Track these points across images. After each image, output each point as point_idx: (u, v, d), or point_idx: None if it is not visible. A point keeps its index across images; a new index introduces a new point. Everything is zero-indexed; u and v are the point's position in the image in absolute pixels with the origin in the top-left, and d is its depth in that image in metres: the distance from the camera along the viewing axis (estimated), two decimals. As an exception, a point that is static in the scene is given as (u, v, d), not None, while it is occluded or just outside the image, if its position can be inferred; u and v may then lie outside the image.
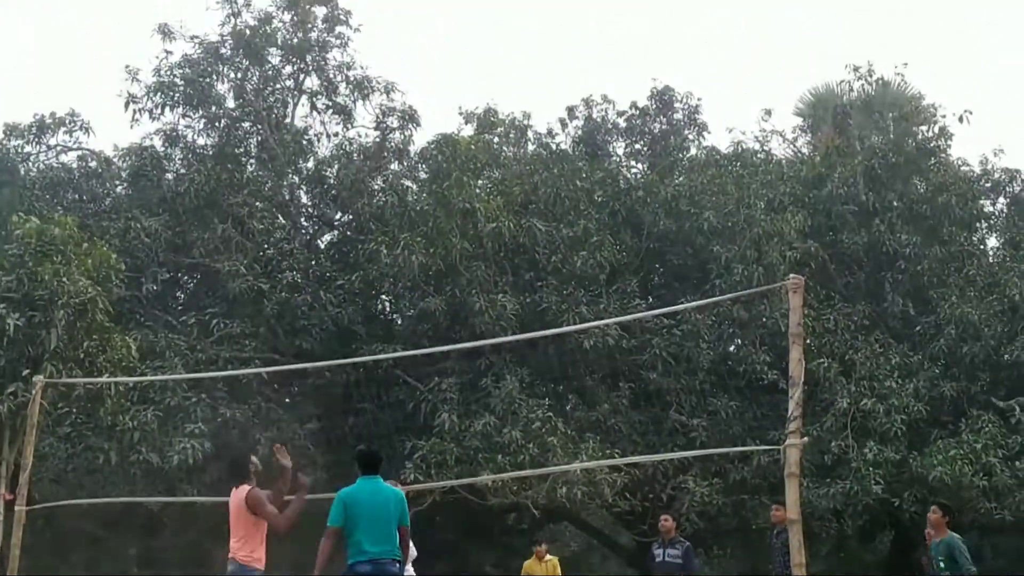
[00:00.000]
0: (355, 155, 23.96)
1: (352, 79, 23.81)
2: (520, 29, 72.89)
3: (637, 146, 25.73)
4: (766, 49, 71.08)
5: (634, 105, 25.43)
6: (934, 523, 11.34)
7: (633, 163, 25.53)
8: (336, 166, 23.93)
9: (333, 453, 20.02)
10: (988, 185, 24.57)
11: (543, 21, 71.73)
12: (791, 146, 27.33)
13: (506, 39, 71.78)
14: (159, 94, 22.63)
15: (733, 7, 71.17)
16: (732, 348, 22.24)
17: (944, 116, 24.49)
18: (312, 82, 24.06)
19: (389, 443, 19.03)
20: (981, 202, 24.09)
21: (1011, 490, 18.75)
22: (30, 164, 23.38)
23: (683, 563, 13.21)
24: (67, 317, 14.89)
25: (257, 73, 23.58)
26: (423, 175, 23.15)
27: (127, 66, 22.72)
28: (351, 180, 23.19)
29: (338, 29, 23.83)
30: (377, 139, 24.16)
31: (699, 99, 25.45)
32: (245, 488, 8.90)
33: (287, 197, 23.77)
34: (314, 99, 24.11)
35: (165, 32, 23.00)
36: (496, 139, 23.71)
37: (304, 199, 24.40)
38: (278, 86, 23.98)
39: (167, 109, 22.78)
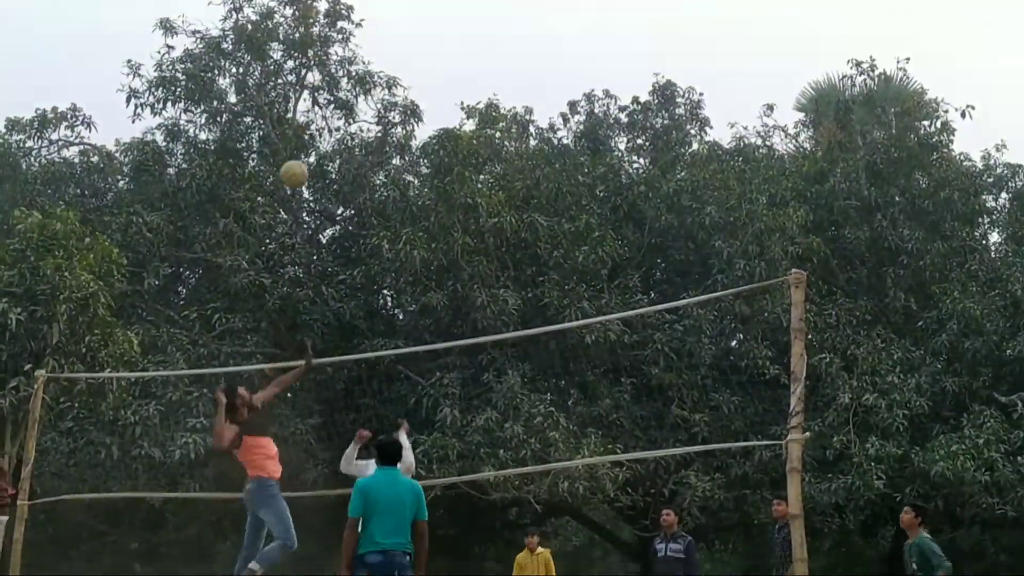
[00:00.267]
0: (357, 150, 23.91)
1: (354, 74, 23.74)
2: (522, 23, 72.83)
3: (639, 141, 25.67)
4: (768, 44, 70.97)
5: (636, 100, 25.39)
6: (907, 524, 11.11)
7: (635, 158, 25.51)
8: (338, 161, 23.90)
9: (334, 448, 19.97)
10: (991, 180, 24.58)
11: (544, 16, 71.62)
12: (793, 141, 27.29)
13: (508, 34, 71.67)
14: (161, 89, 22.56)
15: (735, 2, 71.11)
16: (734, 343, 22.29)
17: (946, 111, 24.43)
18: (314, 77, 24.00)
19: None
20: (983, 197, 24.12)
21: (1013, 485, 18.77)
22: (32, 159, 23.35)
23: (685, 558, 13.16)
24: (69, 312, 14.89)
25: (259, 68, 23.52)
26: (425, 170, 23.09)
27: (129, 61, 22.70)
28: (353, 175, 23.19)
29: (340, 24, 23.78)
30: (379, 134, 24.11)
31: (701, 94, 25.43)
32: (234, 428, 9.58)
33: (289, 192, 23.74)
34: (316, 94, 24.04)
35: (167, 27, 22.95)
36: (498, 134, 23.65)
37: (306, 194, 24.34)
38: (280, 81, 23.92)
39: (169, 104, 22.72)
